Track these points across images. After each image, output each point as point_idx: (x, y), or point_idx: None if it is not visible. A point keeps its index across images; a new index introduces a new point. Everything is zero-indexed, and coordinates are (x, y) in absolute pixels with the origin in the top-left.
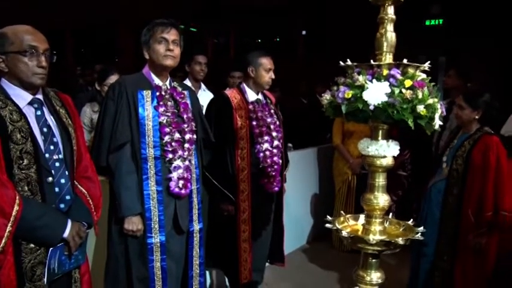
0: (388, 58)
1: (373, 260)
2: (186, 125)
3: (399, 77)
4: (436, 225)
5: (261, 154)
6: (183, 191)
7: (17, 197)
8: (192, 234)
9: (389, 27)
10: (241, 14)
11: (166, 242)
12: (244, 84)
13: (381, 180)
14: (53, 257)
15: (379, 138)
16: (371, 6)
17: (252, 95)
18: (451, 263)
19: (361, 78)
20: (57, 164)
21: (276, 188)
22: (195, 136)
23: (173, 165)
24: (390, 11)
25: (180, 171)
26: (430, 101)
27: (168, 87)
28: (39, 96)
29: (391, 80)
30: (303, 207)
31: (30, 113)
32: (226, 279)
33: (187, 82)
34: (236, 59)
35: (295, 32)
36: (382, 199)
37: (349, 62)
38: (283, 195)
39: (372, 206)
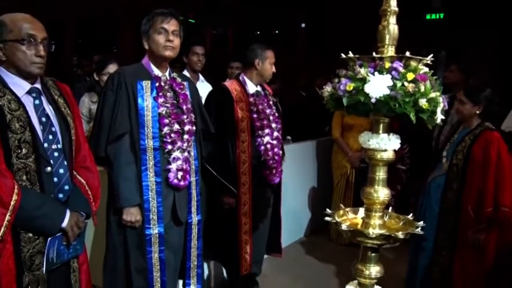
0: (390, 51)
1: (373, 254)
2: (185, 116)
3: (401, 70)
4: (435, 220)
5: (262, 147)
6: (182, 183)
7: (16, 187)
8: (190, 225)
9: (392, 19)
10: (240, 5)
11: (165, 233)
12: (245, 76)
13: (381, 174)
14: (52, 246)
15: (380, 131)
16: None
17: (252, 87)
18: (450, 258)
19: (363, 70)
20: (55, 154)
21: (277, 179)
22: (194, 127)
23: (172, 156)
24: (393, 3)
25: (179, 162)
26: (433, 94)
27: (168, 78)
28: (38, 86)
29: (393, 73)
30: (301, 200)
31: (28, 102)
32: (224, 271)
33: (185, 73)
34: (237, 50)
35: (295, 24)
36: (382, 193)
37: (351, 55)
38: (281, 187)
39: (372, 200)
